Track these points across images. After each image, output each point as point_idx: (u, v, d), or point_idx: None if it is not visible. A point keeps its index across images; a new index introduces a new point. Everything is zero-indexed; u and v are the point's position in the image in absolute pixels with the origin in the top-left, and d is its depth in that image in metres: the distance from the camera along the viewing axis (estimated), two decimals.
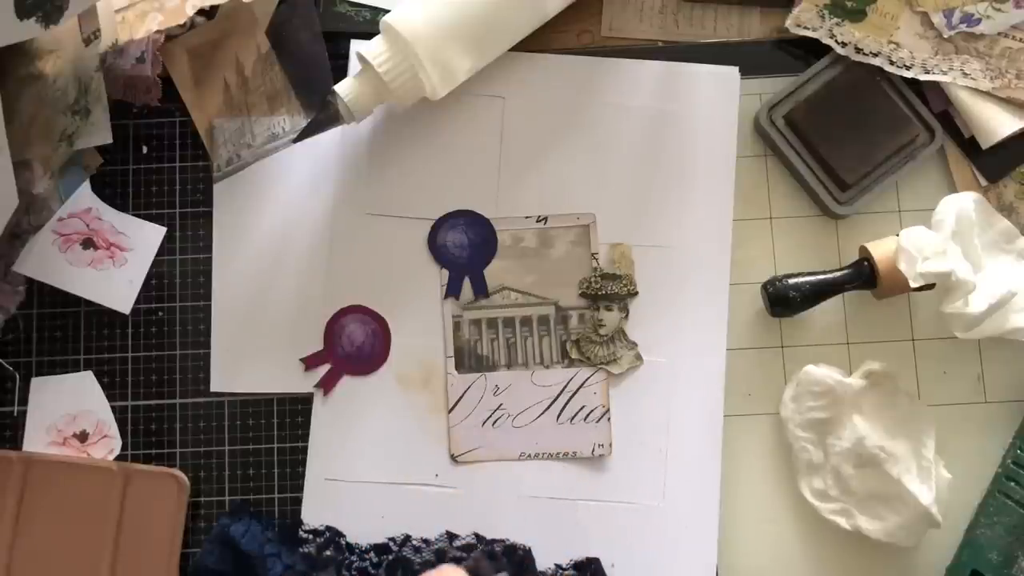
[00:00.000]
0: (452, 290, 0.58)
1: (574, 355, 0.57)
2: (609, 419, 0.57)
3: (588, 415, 0.57)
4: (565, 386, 0.57)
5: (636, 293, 0.58)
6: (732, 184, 0.59)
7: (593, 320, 0.58)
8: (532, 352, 0.58)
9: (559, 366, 0.58)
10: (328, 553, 0.55)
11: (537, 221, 0.59)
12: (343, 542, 0.56)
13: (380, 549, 0.55)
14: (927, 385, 0.58)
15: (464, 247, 0.59)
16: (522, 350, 0.58)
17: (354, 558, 0.55)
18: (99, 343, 0.58)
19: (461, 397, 0.57)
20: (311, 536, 0.56)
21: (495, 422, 0.57)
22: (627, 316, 0.58)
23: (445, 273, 0.58)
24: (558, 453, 0.57)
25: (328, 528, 0.56)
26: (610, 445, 0.57)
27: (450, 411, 0.57)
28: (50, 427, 0.57)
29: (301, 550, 0.55)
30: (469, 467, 0.57)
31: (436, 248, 0.59)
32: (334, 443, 0.57)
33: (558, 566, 0.56)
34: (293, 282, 0.59)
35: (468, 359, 0.58)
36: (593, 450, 0.57)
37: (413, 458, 0.57)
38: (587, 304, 0.58)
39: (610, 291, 0.58)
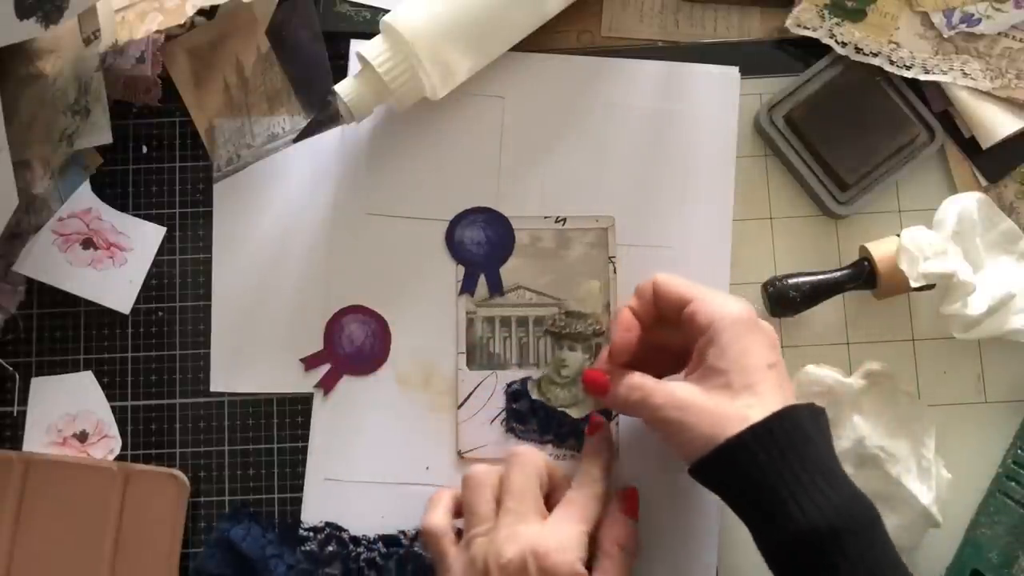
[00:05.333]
0: (467, 286, 0.58)
1: (534, 395, 0.57)
2: (618, 423, 0.57)
3: None
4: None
5: (603, 333, 0.57)
6: (732, 184, 0.59)
7: (555, 360, 0.57)
8: (544, 352, 0.58)
9: None
10: (331, 548, 0.55)
11: (556, 222, 0.59)
12: (345, 536, 0.56)
13: (389, 540, 0.56)
14: (927, 385, 0.58)
15: (482, 244, 0.59)
16: (534, 350, 0.58)
17: (361, 549, 0.55)
18: (99, 343, 0.58)
19: (471, 394, 0.57)
20: (311, 533, 0.56)
21: (503, 420, 0.57)
22: (591, 358, 0.56)
23: (460, 269, 0.58)
24: (565, 454, 0.57)
25: (327, 524, 0.56)
26: (617, 449, 0.57)
27: (459, 407, 0.57)
28: (50, 427, 0.57)
29: (303, 548, 0.55)
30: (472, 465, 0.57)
31: (453, 244, 0.59)
32: (334, 443, 0.57)
33: None
34: (293, 282, 0.59)
35: (480, 356, 0.58)
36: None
37: (413, 458, 0.57)
38: (552, 343, 0.57)
39: (574, 330, 0.56)
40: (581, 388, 0.56)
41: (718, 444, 0.45)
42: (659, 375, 0.50)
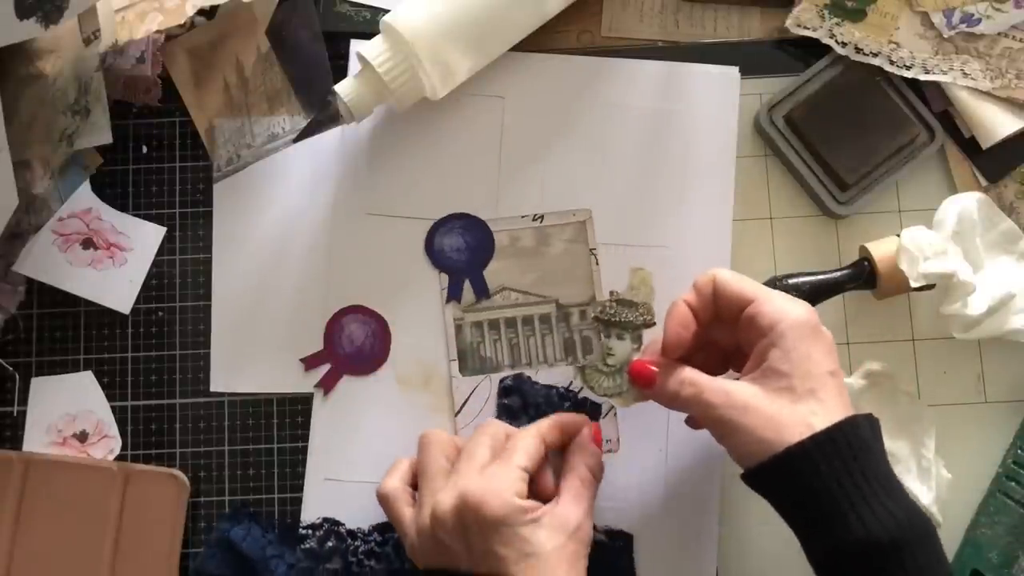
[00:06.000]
0: (453, 294, 0.58)
1: (578, 383, 0.57)
2: (616, 415, 0.57)
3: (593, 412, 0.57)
4: (570, 384, 0.57)
5: (653, 324, 0.55)
6: (732, 184, 0.59)
7: (603, 348, 0.56)
8: (535, 351, 0.58)
9: (563, 364, 0.58)
10: (331, 544, 0.55)
11: (533, 220, 0.59)
12: (343, 530, 0.56)
13: (383, 528, 0.56)
14: (927, 385, 0.58)
15: (462, 250, 0.59)
16: (525, 350, 0.58)
17: (358, 542, 0.55)
18: (99, 343, 0.58)
19: (467, 400, 0.57)
20: (310, 531, 0.56)
21: (494, 416, 0.57)
22: (639, 348, 0.55)
23: (445, 277, 0.58)
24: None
25: (325, 519, 0.56)
26: (618, 440, 0.57)
27: (456, 414, 0.57)
28: (50, 427, 0.57)
29: (303, 546, 0.55)
30: None
31: (434, 253, 0.59)
32: (334, 443, 0.57)
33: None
34: (293, 282, 0.59)
35: (472, 361, 0.58)
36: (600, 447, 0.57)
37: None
38: (599, 330, 0.57)
39: (624, 319, 0.56)
40: (626, 378, 0.55)
41: (777, 451, 0.44)
42: (704, 371, 0.49)
